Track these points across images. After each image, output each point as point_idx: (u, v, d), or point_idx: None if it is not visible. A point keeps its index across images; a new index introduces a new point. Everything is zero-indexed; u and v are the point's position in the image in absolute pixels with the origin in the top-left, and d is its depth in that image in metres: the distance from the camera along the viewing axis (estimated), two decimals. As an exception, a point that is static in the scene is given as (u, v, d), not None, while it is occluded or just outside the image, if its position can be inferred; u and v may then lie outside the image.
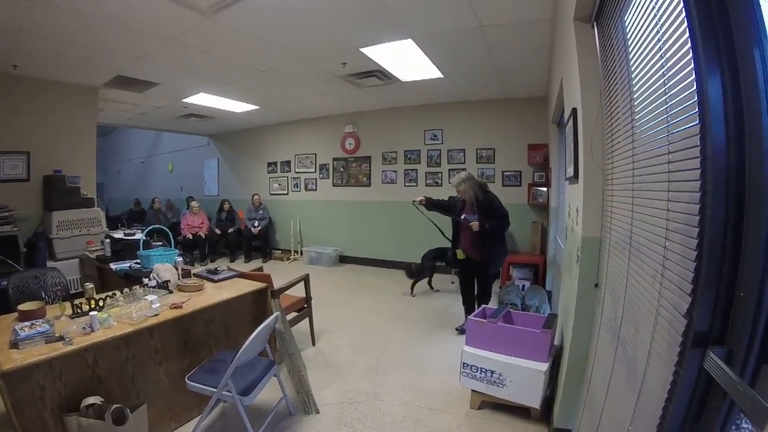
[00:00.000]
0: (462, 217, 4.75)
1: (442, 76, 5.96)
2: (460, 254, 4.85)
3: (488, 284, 4.92)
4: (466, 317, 4.68)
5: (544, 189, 6.90)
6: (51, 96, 6.11)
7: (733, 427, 1.01)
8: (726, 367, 0.95)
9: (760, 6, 0.91)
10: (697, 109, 1.04)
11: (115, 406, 2.35)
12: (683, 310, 1.12)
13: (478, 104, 7.59)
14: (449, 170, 7.97)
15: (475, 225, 4.54)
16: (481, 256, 4.73)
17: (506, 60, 5.26)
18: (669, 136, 1.26)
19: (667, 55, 1.23)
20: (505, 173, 7.52)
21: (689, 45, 1.06)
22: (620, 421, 1.62)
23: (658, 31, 1.30)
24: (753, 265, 0.95)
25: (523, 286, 5.91)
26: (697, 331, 1.06)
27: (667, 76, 1.25)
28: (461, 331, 4.86)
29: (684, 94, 1.13)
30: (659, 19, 1.28)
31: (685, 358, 1.10)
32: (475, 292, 4.93)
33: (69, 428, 2.31)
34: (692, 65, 1.06)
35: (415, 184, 8.32)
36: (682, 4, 1.09)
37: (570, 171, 2.92)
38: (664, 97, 1.28)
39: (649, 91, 1.44)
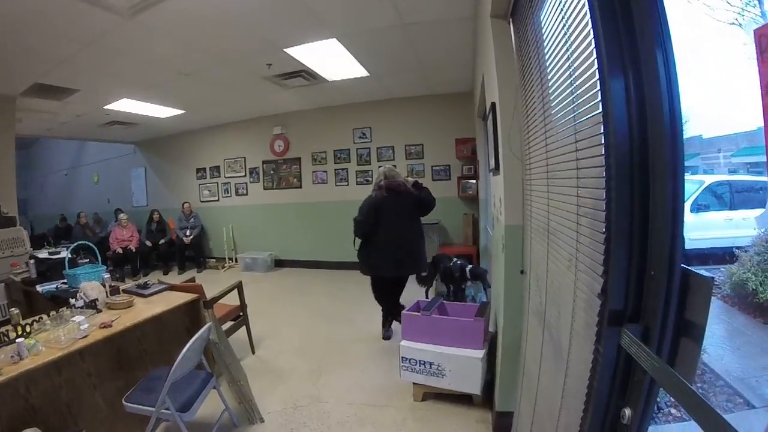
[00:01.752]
0: None
1: (368, 74, 6.00)
2: None
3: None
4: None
5: (474, 181, 7.10)
6: None
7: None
8: (641, 343, 1.00)
9: (664, 10, 0.96)
10: (599, 98, 1.10)
11: (51, 436, 2.22)
12: (597, 291, 1.18)
13: (405, 101, 7.70)
14: (379, 168, 8.00)
15: None
16: None
17: (431, 57, 5.37)
18: (576, 126, 1.32)
19: (573, 49, 1.29)
20: (434, 168, 7.67)
21: (593, 40, 1.11)
22: (553, 400, 1.69)
23: (565, 27, 1.36)
24: (661, 244, 1.00)
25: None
26: (611, 309, 1.11)
27: (573, 68, 1.31)
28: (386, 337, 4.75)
29: (588, 85, 1.18)
30: (566, 15, 1.34)
31: (603, 336, 1.14)
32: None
33: None
34: (595, 58, 1.11)
35: (346, 182, 8.33)
36: (587, 6, 1.14)
37: (492, 163, 3.01)
38: (571, 89, 1.34)
39: (558, 84, 1.51)
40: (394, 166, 6.99)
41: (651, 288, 1.04)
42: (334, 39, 4.60)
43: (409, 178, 4.64)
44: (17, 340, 2.48)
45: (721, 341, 3.25)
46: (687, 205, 5.45)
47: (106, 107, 7.24)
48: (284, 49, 4.87)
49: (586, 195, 1.28)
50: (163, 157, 10.99)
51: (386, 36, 4.56)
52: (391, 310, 4.77)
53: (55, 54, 4.65)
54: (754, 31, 0.85)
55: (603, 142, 1.10)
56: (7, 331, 2.70)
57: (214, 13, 3.85)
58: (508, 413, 2.73)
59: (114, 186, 12.38)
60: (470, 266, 4.39)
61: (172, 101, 7.31)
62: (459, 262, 4.50)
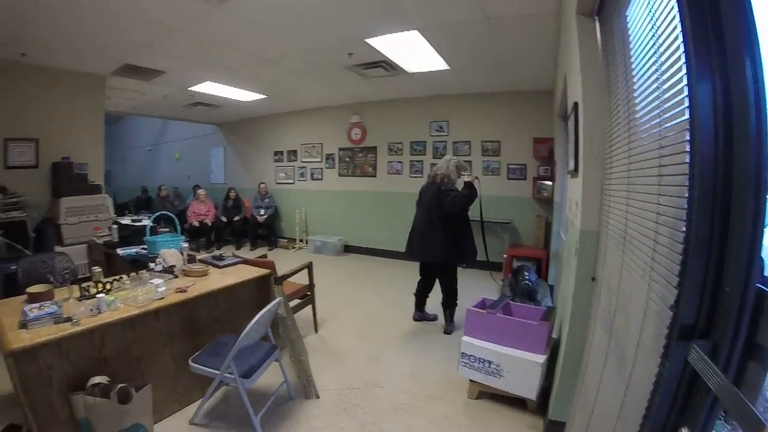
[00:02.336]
0: None
1: (448, 67, 5.95)
2: None
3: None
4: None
5: (549, 183, 6.90)
6: (59, 84, 6.17)
7: (719, 420, 1.03)
8: (709, 361, 0.97)
9: (752, 12, 0.92)
10: (687, 104, 1.06)
11: (120, 385, 2.41)
12: (670, 303, 1.14)
13: (484, 96, 7.57)
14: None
15: None
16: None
17: (512, 53, 5.24)
18: (661, 131, 1.27)
19: (661, 51, 1.25)
20: (510, 166, 7.50)
21: (682, 43, 1.07)
22: (609, 412, 1.65)
23: (653, 27, 1.31)
24: (738, 261, 0.96)
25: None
26: (682, 324, 1.08)
27: (660, 71, 1.26)
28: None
29: (675, 89, 1.14)
30: (655, 16, 1.30)
31: (671, 350, 1.12)
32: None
33: (75, 406, 2.37)
34: (684, 63, 1.07)
35: (420, 175, 8.30)
36: (676, 6, 1.10)
37: (571, 165, 2.93)
38: (657, 92, 1.30)
39: (644, 87, 1.45)
40: (467, 162, 7.05)
41: (724, 305, 1.01)
42: (416, 31, 4.60)
43: (466, 178, 4.46)
44: (98, 296, 2.71)
45: None
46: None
47: (190, 89, 7.61)
48: (366, 40, 4.92)
49: (667, 204, 1.24)
50: (243, 139, 11.46)
51: (468, 29, 4.50)
52: (419, 294, 4.99)
53: (145, 38, 4.94)
54: None
55: (688, 149, 1.06)
56: (89, 287, 2.94)
57: (298, 2, 3.95)
58: (561, 423, 2.67)
59: (194, 163, 13.05)
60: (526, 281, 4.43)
61: (255, 86, 7.58)
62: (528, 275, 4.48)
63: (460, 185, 4.51)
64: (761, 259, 0.95)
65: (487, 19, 4.16)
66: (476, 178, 4.50)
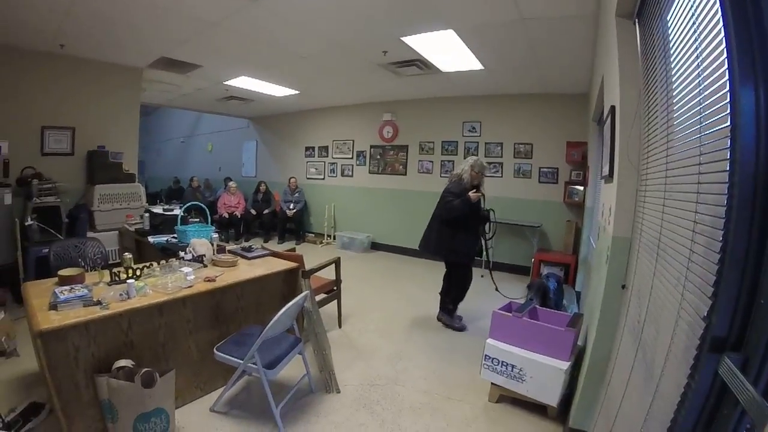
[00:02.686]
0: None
1: (482, 68, 5.90)
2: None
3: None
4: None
5: (581, 188, 6.78)
6: (96, 75, 6.33)
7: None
8: (740, 374, 0.94)
9: None
10: (729, 110, 1.03)
11: (145, 369, 2.47)
12: (703, 314, 1.12)
13: (517, 98, 7.48)
14: (487, 163, 7.89)
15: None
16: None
17: (548, 55, 5.17)
18: (701, 138, 1.24)
19: (703, 56, 1.21)
20: (542, 169, 7.40)
21: (725, 48, 1.05)
22: (633, 423, 1.62)
23: (695, 32, 1.28)
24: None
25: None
26: (714, 335, 1.05)
27: (702, 76, 1.23)
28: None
29: (717, 96, 1.11)
30: (697, 21, 1.27)
31: (701, 362, 1.10)
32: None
33: (99, 387, 2.43)
34: (726, 69, 1.04)
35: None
36: (719, 6, 1.07)
37: (606, 170, 2.87)
38: (698, 98, 1.26)
39: (684, 92, 1.42)
40: (494, 165, 7.00)
41: (758, 317, 0.97)
42: (452, 30, 4.57)
43: (473, 193, 4.40)
44: (128, 281, 2.78)
45: None
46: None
47: (225, 83, 7.72)
48: (401, 38, 4.91)
49: (705, 212, 1.21)
50: (275, 133, 11.59)
51: (504, 30, 4.46)
52: (442, 292, 5.00)
53: (183, 32, 5.03)
54: None
55: (728, 158, 1.03)
56: (119, 272, 3.02)
57: (334, 0, 3.98)
58: (581, 431, 2.63)
59: (226, 156, 13.25)
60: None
61: (288, 82, 7.64)
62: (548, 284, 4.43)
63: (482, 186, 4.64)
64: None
65: (524, 20, 4.12)
66: (482, 195, 4.51)
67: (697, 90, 1.26)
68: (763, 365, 0.94)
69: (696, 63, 1.28)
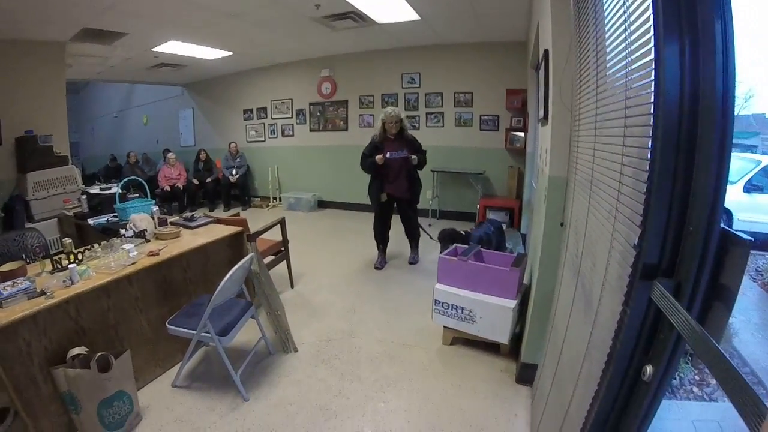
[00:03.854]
0: (387, 155, 4.83)
1: (419, 18, 5.80)
2: (383, 197, 5.03)
3: (416, 219, 5.28)
4: (380, 254, 5.43)
5: (522, 134, 6.93)
6: (16, 54, 5.87)
7: (686, 364, 1.06)
8: (672, 298, 0.99)
9: None
10: (653, 44, 1.05)
11: (99, 354, 2.41)
12: (633, 242, 1.16)
13: (456, 47, 7.45)
14: (427, 114, 7.93)
15: (414, 158, 4.77)
16: (410, 193, 4.99)
17: (485, 2, 5.13)
18: (627, 72, 1.26)
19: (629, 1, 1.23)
20: (483, 117, 7.49)
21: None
22: (577, 353, 1.70)
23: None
24: (703, 201, 0.97)
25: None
26: (645, 263, 1.09)
27: (628, 21, 1.25)
28: (379, 267, 5.33)
29: (641, 33, 1.13)
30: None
31: (634, 288, 1.13)
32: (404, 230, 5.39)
33: (57, 380, 2.36)
34: (651, 20, 1.06)
35: (392, 128, 8.24)
36: None
37: (541, 113, 2.93)
38: (624, 36, 1.28)
39: (612, 35, 1.44)
40: (434, 116, 7.06)
41: (687, 244, 1.02)
42: (386, -22, 4.45)
43: (378, 157, 4.93)
44: (69, 266, 2.66)
45: (756, 329, 3.19)
46: (740, 185, 5.23)
47: (154, 49, 7.31)
48: (333, -11, 4.74)
49: (632, 144, 1.24)
50: (211, 99, 11.13)
51: (440, -24, 4.38)
52: None
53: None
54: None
55: (653, 90, 1.06)
56: (60, 258, 2.89)
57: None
58: (533, 365, 2.78)
59: (163, 127, 12.69)
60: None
61: (220, 43, 7.31)
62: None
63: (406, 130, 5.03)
64: (723, 199, 0.96)
65: (458, -36, 4.05)
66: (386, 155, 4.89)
67: (624, 35, 1.28)
68: (695, 290, 0.99)
69: (623, 8, 1.30)
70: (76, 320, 2.56)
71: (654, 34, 1.05)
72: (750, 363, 2.66)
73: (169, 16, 5.50)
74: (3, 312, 2.26)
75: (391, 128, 4.86)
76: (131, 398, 2.56)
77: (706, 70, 0.95)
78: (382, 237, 5.40)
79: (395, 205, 5.20)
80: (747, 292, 3.74)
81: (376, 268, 5.29)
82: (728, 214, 4.98)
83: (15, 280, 2.54)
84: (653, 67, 1.05)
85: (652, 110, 1.07)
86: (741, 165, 5.32)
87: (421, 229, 5.46)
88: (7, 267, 2.75)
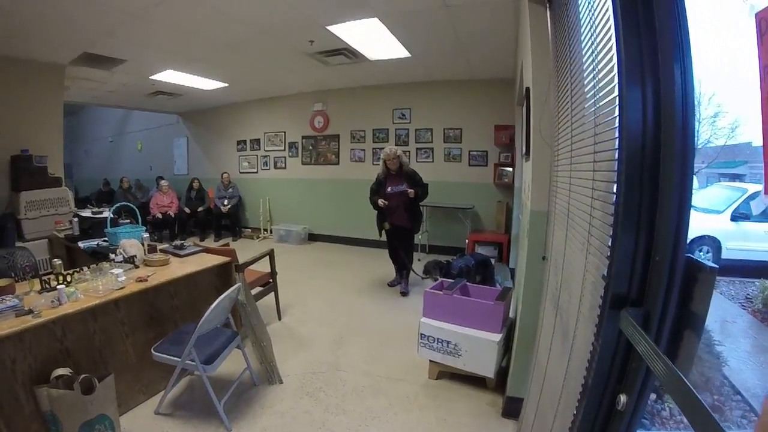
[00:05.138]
0: (389, 189, 5.31)
1: (409, 55, 5.97)
2: (386, 226, 5.43)
3: (412, 248, 5.73)
4: (397, 274, 5.89)
5: (510, 169, 7.03)
6: (15, 74, 5.92)
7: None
8: (638, 327, 1.01)
9: (686, 21, 0.97)
10: (617, 89, 1.11)
11: (83, 376, 2.39)
12: (602, 273, 1.20)
13: (446, 84, 7.63)
14: (417, 149, 8.04)
15: (411, 192, 5.17)
16: (410, 222, 5.41)
17: (473, 41, 5.30)
18: (596, 110, 1.33)
19: (597, 42, 1.30)
20: (471, 153, 7.61)
21: (614, 42, 1.13)
22: (556, 384, 1.72)
23: (591, 21, 1.37)
24: (667, 231, 1.01)
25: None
26: (614, 292, 1.12)
27: (596, 61, 1.32)
28: (392, 284, 5.87)
29: (607, 78, 1.20)
30: (593, 10, 1.35)
31: (604, 318, 1.16)
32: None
33: (40, 399, 2.34)
34: (615, 63, 1.12)
35: (382, 162, 8.35)
36: (610, 2, 1.15)
37: (524, 148, 3.01)
38: (593, 74, 1.35)
39: (584, 74, 1.51)
40: (424, 151, 7.25)
41: (654, 274, 1.05)
42: (376, 18, 4.59)
43: (381, 201, 5.44)
44: (58, 287, 2.67)
45: (746, 356, 3.20)
46: (727, 214, 5.32)
47: (152, 77, 7.42)
48: (326, 27, 4.89)
49: (600, 178, 1.30)
50: (205, 128, 11.25)
51: (428, 17, 4.53)
52: None
53: (102, 25, 4.78)
54: (755, 14, 0.84)
55: (617, 125, 1.11)
56: (49, 279, 2.89)
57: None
58: (519, 399, 2.77)
59: (157, 154, 12.75)
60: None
61: (216, 74, 7.44)
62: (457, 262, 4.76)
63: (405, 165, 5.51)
64: (687, 228, 1.00)
65: (447, 6, 4.19)
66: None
67: (593, 74, 1.36)
68: (663, 319, 1.01)
69: (592, 48, 1.37)
70: (61, 341, 2.56)
71: (618, 73, 1.11)
72: (742, 391, 2.66)
73: (168, 45, 5.61)
74: None
75: (392, 165, 5.34)
76: (113, 423, 2.52)
77: (667, 107, 1.00)
78: (394, 260, 5.85)
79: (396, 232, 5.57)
80: (737, 319, 3.76)
81: (389, 285, 5.88)
82: (716, 243, 5.05)
83: (3, 297, 2.55)
84: (617, 104, 1.11)
85: (617, 144, 1.12)
86: (728, 194, 5.41)
87: (410, 267, 5.66)
88: None
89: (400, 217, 5.40)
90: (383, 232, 5.58)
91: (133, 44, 5.50)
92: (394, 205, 5.35)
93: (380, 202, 5.32)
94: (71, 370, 2.46)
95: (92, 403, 2.39)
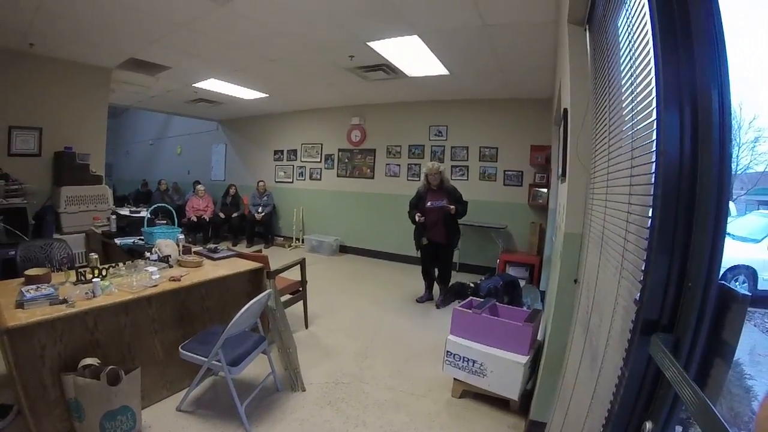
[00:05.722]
0: (428, 203, 5.33)
1: (448, 73, 6.01)
2: (424, 241, 5.45)
3: (450, 264, 5.77)
4: (426, 290, 5.93)
5: (545, 190, 6.94)
6: (65, 75, 6.22)
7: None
8: (667, 353, 0.99)
9: (724, 42, 0.96)
10: (655, 114, 1.11)
11: (110, 367, 2.46)
12: (635, 297, 1.18)
13: (483, 102, 7.63)
14: (452, 166, 8.02)
15: (453, 208, 5.19)
16: (447, 238, 5.40)
17: (512, 60, 5.31)
18: (633, 133, 1.32)
19: (636, 65, 1.30)
20: (507, 172, 7.56)
21: (653, 65, 1.13)
22: (581, 408, 1.69)
23: (630, 42, 1.37)
24: (701, 257, 0.99)
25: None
26: (645, 318, 1.10)
27: (635, 84, 1.32)
28: (420, 300, 5.86)
29: (646, 101, 1.19)
30: (632, 32, 1.35)
31: (634, 344, 1.14)
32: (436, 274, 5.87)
33: (66, 386, 2.42)
34: (653, 81, 1.12)
35: (417, 178, 8.33)
36: (650, 27, 1.15)
37: (560, 170, 2.99)
38: (631, 97, 1.35)
39: (621, 96, 1.51)
40: (459, 169, 7.37)
41: (686, 300, 1.03)
42: (416, 36, 4.65)
43: (419, 216, 5.51)
44: (93, 280, 2.78)
45: None
46: (765, 243, 5.12)
47: (194, 85, 7.67)
48: (367, 43, 4.98)
49: (636, 202, 1.29)
50: (244, 137, 11.53)
51: (468, 36, 4.56)
52: None
53: (152, 33, 4.99)
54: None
55: (654, 149, 1.11)
56: (85, 272, 3.01)
57: (302, 3, 4.01)
58: (542, 424, 2.71)
59: (195, 159, 13.12)
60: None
61: (257, 84, 7.63)
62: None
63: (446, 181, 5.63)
64: (721, 255, 0.98)
65: (487, 26, 4.22)
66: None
67: (631, 97, 1.35)
68: (693, 346, 0.99)
69: (630, 70, 1.37)
70: (92, 332, 2.65)
71: (656, 97, 1.10)
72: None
73: (211, 55, 5.79)
74: (24, 313, 2.37)
75: (433, 180, 5.42)
76: (135, 415, 2.59)
77: (704, 131, 0.99)
78: (426, 276, 5.91)
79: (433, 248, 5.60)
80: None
81: (417, 301, 5.86)
82: (752, 272, 4.88)
83: (39, 285, 2.67)
84: (655, 127, 1.11)
85: (653, 169, 1.11)
86: (767, 222, 5.24)
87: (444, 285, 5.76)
88: (33, 272, 2.89)
89: (438, 233, 5.42)
90: (420, 247, 5.61)
91: (178, 52, 5.71)
92: (432, 221, 5.38)
93: (417, 216, 5.37)
94: (99, 361, 2.55)
95: (117, 394, 2.46)
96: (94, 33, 5.08)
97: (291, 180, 10.44)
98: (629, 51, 1.40)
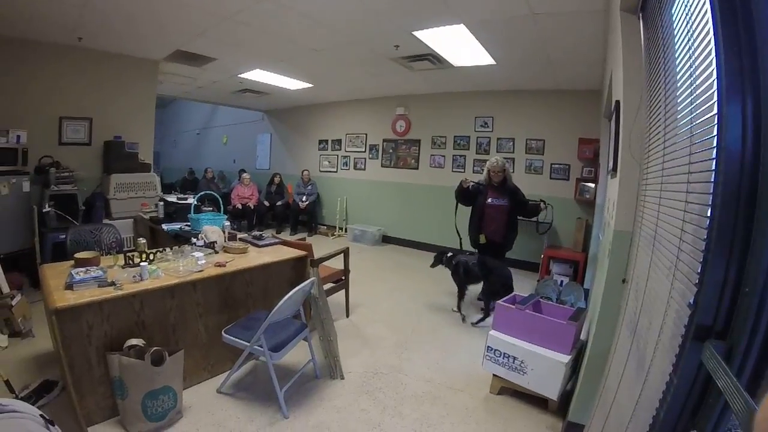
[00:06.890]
0: (489, 200, 5.11)
1: (494, 63, 5.89)
2: (482, 239, 5.17)
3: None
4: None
5: (592, 185, 6.74)
6: (114, 67, 6.47)
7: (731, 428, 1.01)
8: (720, 360, 0.95)
9: None
10: (716, 108, 1.04)
11: (155, 348, 2.56)
12: (689, 300, 1.13)
13: (530, 94, 7.45)
14: (496, 159, 7.88)
15: (540, 203, 5.21)
16: (505, 238, 5.16)
17: (559, 50, 5.15)
18: (692, 128, 1.25)
19: (695, 55, 1.23)
20: (553, 166, 7.38)
21: (713, 50, 1.07)
22: (624, 412, 1.63)
23: (688, 30, 1.30)
24: (759, 262, 0.94)
25: (561, 281, 5.81)
26: (699, 323, 1.06)
27: (693, 75, 1.25)
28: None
29: (706, 93, 1.13)
30: (690, 17, 1.28)
31: (685, 349, 1.10)
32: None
33: (110, 365, 2.53)
34: (714, 69, 1.06)
35: (462, 170, 8.27)
36: (710, 14, 1.08)
37: (610, 164, 2.88)
38: (689, 89, 1.28)
39: (678, 88, 1.43)
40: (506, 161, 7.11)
41: (743, 306, 0.98)
42: (462, 25, 4.57)
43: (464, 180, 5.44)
44: (141, 264, 2.89)
45: None
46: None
47: (240, 76, 7.82)
48: (412, 32, 4.93)
49: (694, 201, 1.22)
50: (289, 126, 11.70)
51: (515, 25, 4.45)
52: None
53: (199, 25, 5.10)
54: None
55: (715, 146, 1.05)
56: (133, 256, 3.13)
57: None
58: (580, 426, 2.64)
59: (240, 148, 13.43)
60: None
61: (302, 75, 7.70)
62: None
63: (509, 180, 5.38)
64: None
65: (534, 15, 4.10)
66: (477, 183, 5.39)
67: (690, 88, 1.28)
68: (747, 354, 0.94)
69: (688, 61, 1.30)
70: (138, 314, 2.76)
71: (717, 90, 1.04)
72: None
73: (257, 46, 5.88)
74: (73, 294, 2.49)
75: (495, 176, 5.20)
76: (176, 395, 2.67)
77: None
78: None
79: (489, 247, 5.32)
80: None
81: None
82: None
83: (88, 268, 2.79)
84: (716, 122, 1.04)
85: (713, 167, 1.06)
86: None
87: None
88: (83, 255, 3.02)
89: (497, 233, 5.18)
90: (476, 244, 5.35)
91: (224, 44, 5.82)
92: (491, 218, 5.17)
93: (464, 180, 5.31)
94: (144, 342, 2.64)
95: (159, 374, 2.55)
96: (142, 26, 5.23)
97: (335, 169, 10.52)
98: (687, 40, 1.33)
